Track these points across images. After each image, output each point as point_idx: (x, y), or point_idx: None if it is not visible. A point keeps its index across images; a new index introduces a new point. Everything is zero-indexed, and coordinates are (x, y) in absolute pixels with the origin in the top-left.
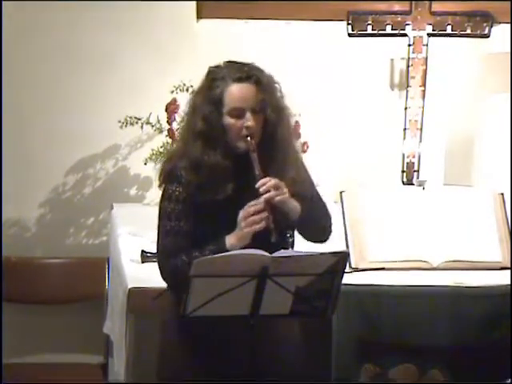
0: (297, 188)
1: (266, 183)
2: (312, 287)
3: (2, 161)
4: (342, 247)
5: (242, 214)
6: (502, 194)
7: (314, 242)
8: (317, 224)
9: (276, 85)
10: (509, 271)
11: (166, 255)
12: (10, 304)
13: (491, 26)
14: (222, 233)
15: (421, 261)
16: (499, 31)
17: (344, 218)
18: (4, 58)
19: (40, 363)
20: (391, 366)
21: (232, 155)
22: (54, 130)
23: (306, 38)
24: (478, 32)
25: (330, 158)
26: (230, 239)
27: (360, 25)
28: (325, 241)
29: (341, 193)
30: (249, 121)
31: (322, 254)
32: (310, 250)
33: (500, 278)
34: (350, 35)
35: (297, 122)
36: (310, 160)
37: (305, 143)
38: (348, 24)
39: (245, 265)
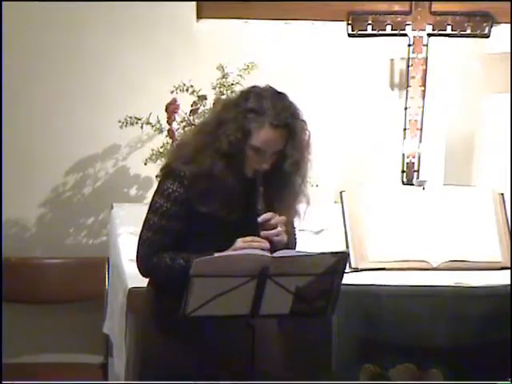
0: (289, 223)
1: (269, 220)
2: (312, 287)
3: (2, 161)
4: (342, 247)
5: (240, 242)
6: (502, 194)
7: None
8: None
9: (306, 132)
10: (509, 271)
11: (150, 251)
12: (9, 304)
13: (491, 26)
14: (209, 247)
15: (421, 261)
16: (499, 31)
17: (344, 218)
18: (4, 57)
19: (40, 363)
20: (391, 366)
21: (241, 181)
22: (54, 130)
23: (305, 39)
24: (478, 32)
25: (330, 158)
26: None
27: (360, 25)
28: None
29: (341, 193)
30: (265, 163)
31: (322, 254)
32: (309, 251)
33: (500, 278)
34: (349, 35)
35: None
36: None
37: None
38: (348, 24)
39: (245, 265)
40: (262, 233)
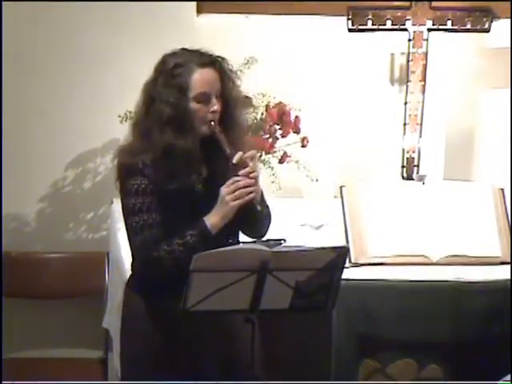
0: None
1: (247, 154)
2: (312, 282)
3: (2, 156)
4: (342, 242)
5: (225, 189)
6: (502, 189)
7: (254, 236)
8: (268, 217)
9: (233, 70)
10: (508, 266)
11: (146, 249)
12: (10, 299)
13: (491, 21)
14: (195, 218)
15: (421, 256)
16: (499, 26)
17: (344, 212)
18: (4, 56)
19: (40, 358)
20: (391, 361)
21: (198, 140)
22: (54, 125)
23: (306, 33)
24: (478, 27)
25: (330, 153)
26: (210, 219)
27: (360, 20)
28: (262, 236)
29: (341, 187)
30: (215, 105)
31: (322, 248)
32: (309, 245)
33: (500, 273)
34: (350, 30)
35: (297, 116)
36: (310, 155)
37: (305, 138)
38: (348, 19)
39: (245, 259)
40: (241, 172)
